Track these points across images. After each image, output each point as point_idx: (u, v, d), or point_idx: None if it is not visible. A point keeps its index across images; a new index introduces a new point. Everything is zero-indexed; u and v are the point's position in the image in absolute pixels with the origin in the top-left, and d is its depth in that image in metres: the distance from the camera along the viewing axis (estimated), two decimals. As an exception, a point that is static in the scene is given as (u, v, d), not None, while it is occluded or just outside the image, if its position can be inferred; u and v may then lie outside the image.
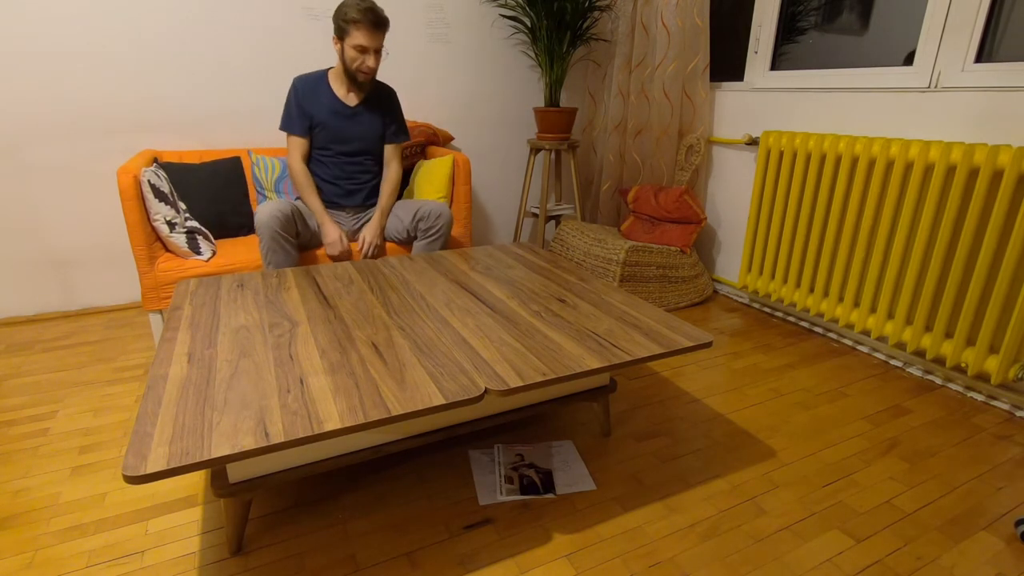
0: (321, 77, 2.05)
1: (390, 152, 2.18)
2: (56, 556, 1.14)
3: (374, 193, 2.20)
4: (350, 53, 1.93)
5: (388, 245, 2.13)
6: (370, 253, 2.06)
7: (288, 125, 2.04)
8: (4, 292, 2.28)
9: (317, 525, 1.23)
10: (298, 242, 1.95)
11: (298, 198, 2.09)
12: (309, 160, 2.12)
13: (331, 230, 2.00)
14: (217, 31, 2.32)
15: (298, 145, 2.04)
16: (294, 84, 2.03)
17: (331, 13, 2.50)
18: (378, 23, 1.89)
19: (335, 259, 2.01)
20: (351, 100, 2.07)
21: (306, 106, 2.02)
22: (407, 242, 2.13)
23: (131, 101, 2.26)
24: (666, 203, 2.50)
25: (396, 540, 1.20)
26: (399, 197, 2.41)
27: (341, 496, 1.32)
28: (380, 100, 2.13)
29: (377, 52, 1.96)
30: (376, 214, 2.10)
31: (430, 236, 2.04)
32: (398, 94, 2.74)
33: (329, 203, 2.12)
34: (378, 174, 2.20)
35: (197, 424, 0.94)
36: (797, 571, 1.14)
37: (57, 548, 1.16)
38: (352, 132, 2.08)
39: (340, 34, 1.93)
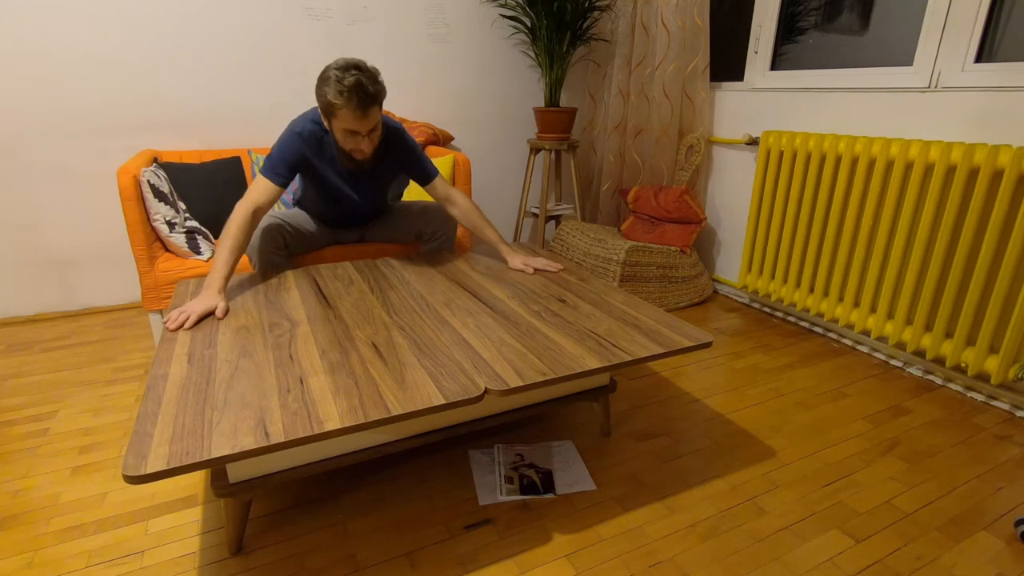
0: (325, 133, 1.68)
1: (439, 193, 1.85)
2: (56, 556, 1.14)
3: (382, 210, 2.07)
4: (339, 135, 1.58)
5: (393, 247, 2.11)
6: (541, 269, 1.78)
7: (269, 169, 1.63)
8: (4, 292, 2.28)
9: (317, 525, 1.23)
10: (289, 251, 1.86)
11: (296, 203, 2.02)
12: (305, 195, 1.89)
13: (204, 301, 1.39)
14: (217, 31, 2.32)
15: (267, 194, 1.61)
16: (292, 137, 1.65)
17: (331, 13, 2.50)
18: (364, 103, 1.48)
19: (169, 323, 1.34)
20: (355, 166, 1.73)
21: (303, 169, 1.71)
22: (413, 244, 2.12)
23: (131, 101, 2.26)
24: (666, 203, 2.50)
25: (396, 540, 1.20)
26: (400, 197, 2.40)
27: (341, 496, 1.32)
28: (388, 156, 1.78)
29: (373, 132, 1.58)
30: (506, 248, 1.82)
31: (438, 239, 2.02)
32: (398, 94, 2.74)
33: (334, 222, 2.00)
34: (385, 200, 2.03)
35: (197, 424, 0.94)
36: (797, 571, 1.13)
37: (57, 548, 1.16)
38: (356, 197, 1.85)
39: (325, 114, 1.55)
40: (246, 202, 1.58)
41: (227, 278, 1.48)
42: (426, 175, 1.84)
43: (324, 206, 1.90)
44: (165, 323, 1.34)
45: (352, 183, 1.82)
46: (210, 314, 1.39)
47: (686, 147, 2.64)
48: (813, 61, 2.31)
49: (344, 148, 1.62)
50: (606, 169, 2.98)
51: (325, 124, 1.62)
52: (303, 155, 1.67)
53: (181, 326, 1.32)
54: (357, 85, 1.46)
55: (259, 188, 1.62)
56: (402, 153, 1.80)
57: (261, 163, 2.29)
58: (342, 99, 1.46)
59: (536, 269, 1.77)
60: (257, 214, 1.59)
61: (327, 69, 1.50)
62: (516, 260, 1.79)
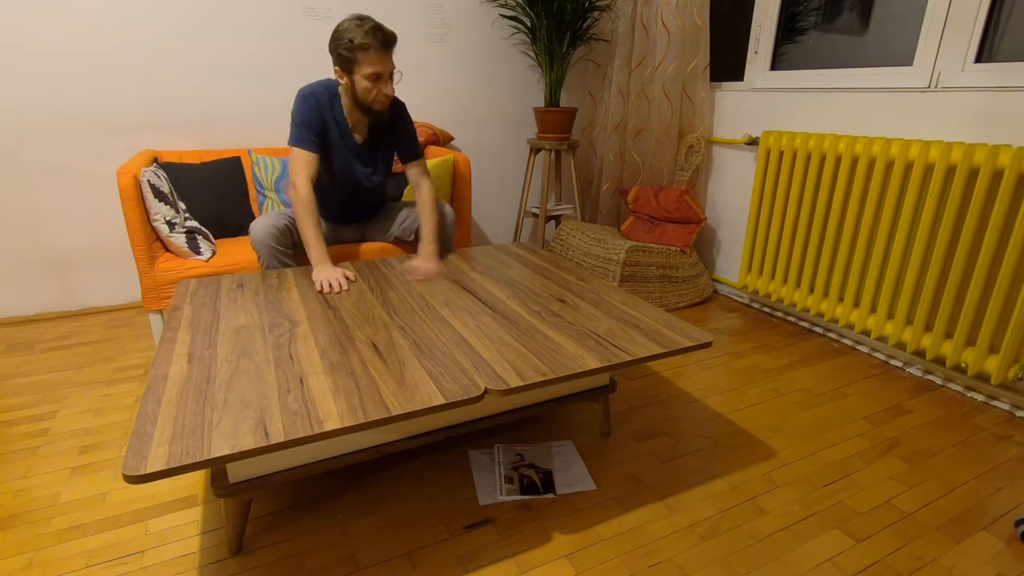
0: (333, 96, 1.77)
1: (415, 173, 1.91)
2: (56, 556, 1.14)
3: (381, 204, 2.11)
4: (363, 84, 1.66)
5: (393, 247, 2.11)
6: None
7: (300, 139, 1.71)
8: (4, 292, 2.28)
9: (317, 525, 1.23)
10: (296, 251, 1.87)
11: None
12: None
13: (327, 272, 1.62)
14: (217, 31, 2.32)
15: (309, 162, 1.71)
16: (306, 98, 1.72)
17: (331, 13, 2.50)
18: (387, 43, 1.63)
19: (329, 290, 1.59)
20: (360, 132, 1.84)
21: (321, 128, 1.76)
22: (413, 243, 2.11)
23: (131, 101, 2.26)
24: (666, 203, 2.50)
25: (396, 540, 1.20)
26: (400, 197, 2.40)
27: (341, 496, 1.32)
28: (395, 120, 1.88)
29: (391, 75, 1.70)
30: (427, 245, 1.82)
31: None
32: (398, 94, 2.74)
33: (332, 219, 2.01)
34: (384, 187, 2.06)
35: (197, 424, 0.94)
36: (797, 571, 1.13)
37: (57, 548, 1.16)
38: (361, 170, 1.89)
39: (346, 65, 1.64)
40: (300, 178, 1.70)
41: (326, 250, 1.69)
42: (415, 152, 1.93)
43: (331, 187, 1.91)
44: (325, 291, 1.56)
45: (359, 154, 1.86)
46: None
47: (686, 147, 2.64)
48: (813, 61, 2.31)
49: (366, 100, 1.69)
50: (606, 169, 2.98)
51: (344, 81, 1.69)
52: (320, 113, 1.75)
53: (341, 290, 1.56)
54: (378, 27, 1.61)
55: (300, 161, 1.72)
56: (404, 122, 1.91)
57: (261, 163, 2.30)
58: (369, 38, 1.58)
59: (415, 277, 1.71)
60: (312, 182, 1.73)
61: (341, 23, 1.62)
62: (419, 262, 1.75)
